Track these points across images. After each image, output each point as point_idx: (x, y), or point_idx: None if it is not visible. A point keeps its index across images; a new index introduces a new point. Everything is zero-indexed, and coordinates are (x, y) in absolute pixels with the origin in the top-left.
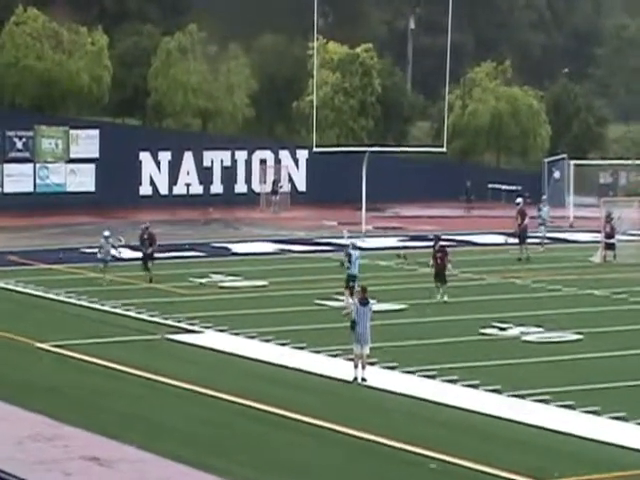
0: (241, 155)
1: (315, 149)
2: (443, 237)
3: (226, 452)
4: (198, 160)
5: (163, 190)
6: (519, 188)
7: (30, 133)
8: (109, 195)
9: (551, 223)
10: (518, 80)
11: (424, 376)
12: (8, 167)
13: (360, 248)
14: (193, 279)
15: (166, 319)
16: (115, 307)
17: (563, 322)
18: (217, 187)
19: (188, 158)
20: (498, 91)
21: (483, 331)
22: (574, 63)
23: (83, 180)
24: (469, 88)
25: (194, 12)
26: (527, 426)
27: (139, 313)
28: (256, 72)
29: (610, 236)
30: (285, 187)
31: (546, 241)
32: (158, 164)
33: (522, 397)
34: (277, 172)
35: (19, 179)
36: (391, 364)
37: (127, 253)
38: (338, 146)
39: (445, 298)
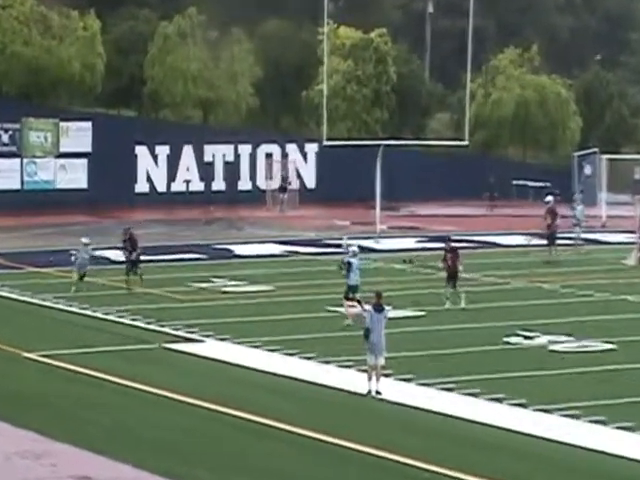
0: (245, 149)
1: (325, 142)
2: (464, 238)
3: (232, 470)
4: (198, 154)
5: (161, 187)
6: (547, 185)
7: (17, 125)
8: (102, 192)
9: (586, 223)
10: (545, 67)
11: (443, 389)
12: None
13: (375, 250)
14: (192, 284)
15: (163, 326)
16: (108, 313)
17: (594, 330)
18: (219, 184)
19: (188, 152)
20: (524, 79)
21: (507, 340)
22: (606, 49)
23: (74, 176)
24: (492, 76)
25: None
26: (557, 443)
27: (134, 320)
28: (261, 59)
29: None
30: (293, 184)
31: (581, 242)
32: (155, 159)
33: (549, 412)
34: (284, 168)
35: (5, 175)
36: (407, 376)
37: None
38: (350, 139)
39: (463, 304)
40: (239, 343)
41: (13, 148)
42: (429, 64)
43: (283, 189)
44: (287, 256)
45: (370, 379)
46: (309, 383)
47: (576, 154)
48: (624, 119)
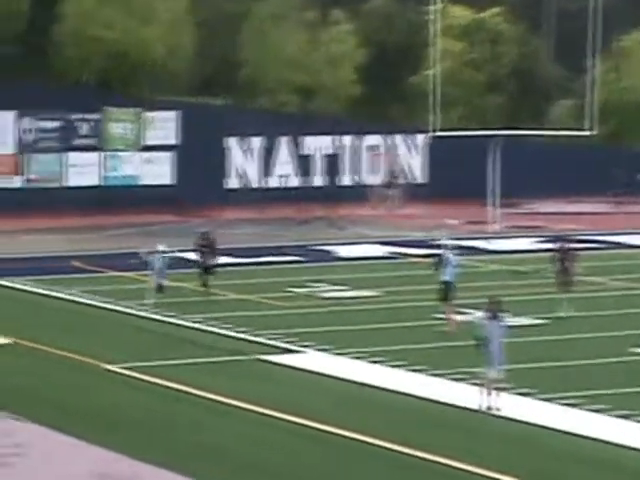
0: (347, 140)
1: (436, 133)
2: (589, 238)
3: None
4: (295, 147)
5: (253, 183)
6: None
7: (97, 116)
8: (189, 189)
9: None
10: None
11: (566, 404)
12: (71, 156)
13: (487, 252)
14: (289, 289)
15: (257, 336)
16: (196, 322)
17: None
18: (318, 179)
19: (284, 144)
20: None
21: (634, 350)
22: None
23: (159, 171)
24: (622, 58)
25: None
26: None
27: (225, 329)
28: (363, 41)
29: None
30: (400, 179)
31: None
32: (248, 152)
33: None
34: (391, 160)
35: (84, 170)
36: (528, 390)
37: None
38: (464, 129)
39: (571, 312)
40: (341, 354)
41: (93, 141)
42: (552, 46)
43: (390, 185)
44: (393, 258)
45: (487, 394)
46: (417, 398)
47: None
48: None
